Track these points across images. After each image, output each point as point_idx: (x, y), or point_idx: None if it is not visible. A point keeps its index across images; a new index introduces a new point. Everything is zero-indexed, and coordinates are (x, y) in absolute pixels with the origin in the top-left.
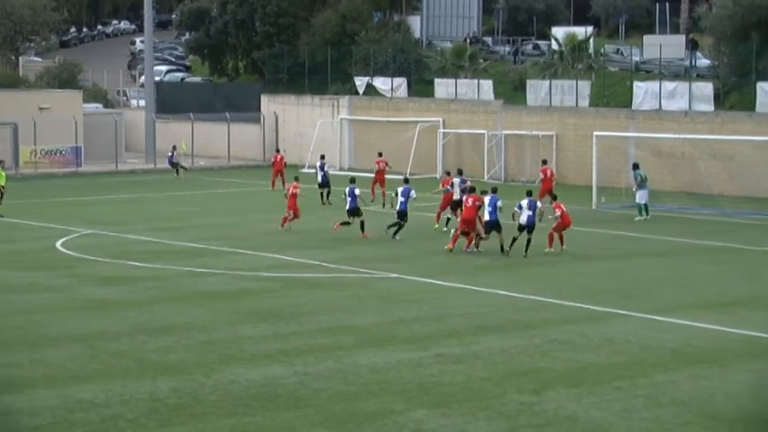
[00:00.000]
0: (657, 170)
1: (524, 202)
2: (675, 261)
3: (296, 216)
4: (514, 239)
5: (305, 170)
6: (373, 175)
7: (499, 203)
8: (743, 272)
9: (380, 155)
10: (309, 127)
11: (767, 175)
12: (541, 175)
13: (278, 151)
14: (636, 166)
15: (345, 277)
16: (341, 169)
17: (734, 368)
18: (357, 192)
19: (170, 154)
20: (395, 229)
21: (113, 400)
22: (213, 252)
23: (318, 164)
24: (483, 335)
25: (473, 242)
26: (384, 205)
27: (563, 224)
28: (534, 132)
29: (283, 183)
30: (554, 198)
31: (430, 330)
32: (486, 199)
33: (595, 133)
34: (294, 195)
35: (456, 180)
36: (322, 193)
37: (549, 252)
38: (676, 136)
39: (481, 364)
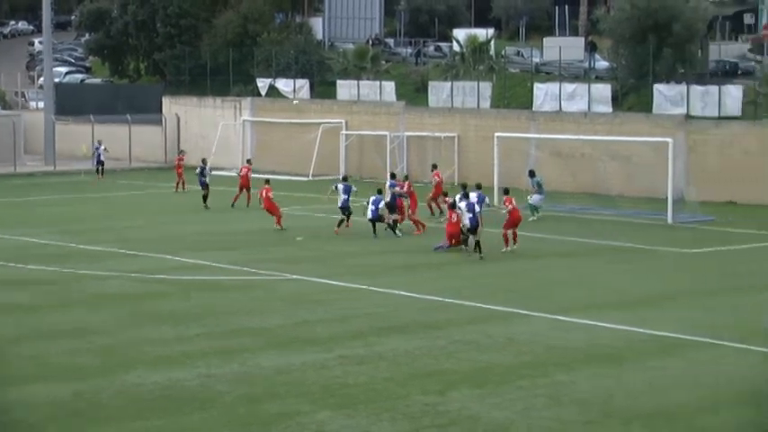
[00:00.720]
0: (558, 171)
1: (462, 205)
2: (578, 261)
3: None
4: (465, 242)
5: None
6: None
7: (487, 200)
8: (643, 271)
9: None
10: (211, 129)
11: (664, 176)
12: (434, 180)
13: (181, 152)
14: (532, 174)
15: (249, 279)
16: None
17: (634, 366)
18: (354, 188)
19: (97, 152)
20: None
21: (13, 405)
22: (115, 255)
23: (199, 168)
24: (387, 336)
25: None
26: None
27: (512, 220)
28: (436, 134)
29: (184, 184)
30: (506, 192)
31: (334, 332)
32: (463, 204)
33: (496, 134)
34: (269, 198)
35: (387, 183)
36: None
37: (506, 252)
38: (576, 137)
39: (385, 366)
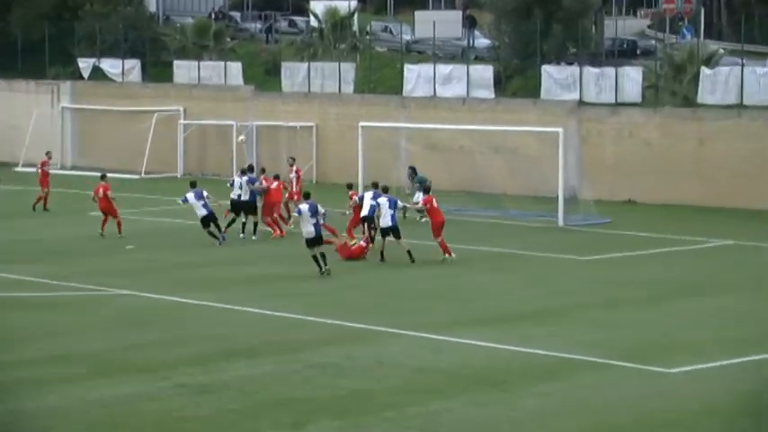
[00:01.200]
0: (433, 166)
1: (384, 200)
2: (452, 270)
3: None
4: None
5: (20, 169)
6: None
7: (399, 204)
8: (529, 282)
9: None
10: (24, 118)
11: (554, 172)
12: (292, 177)
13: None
14: (414, 171)
15: (68, 296)
16: (63, 168)
17: (518, 391)
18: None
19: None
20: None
21: None
22: None
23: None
24: (233, 360)
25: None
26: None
27: (435, 223)
28: (291, 123)
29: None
30: (349, 187)
31: (170, 356)
32: (384, 199)
33: (361, 124)
34: (107, 197)
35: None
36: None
37: (447, 260)
38: (453, 127)
39: (231, 395)
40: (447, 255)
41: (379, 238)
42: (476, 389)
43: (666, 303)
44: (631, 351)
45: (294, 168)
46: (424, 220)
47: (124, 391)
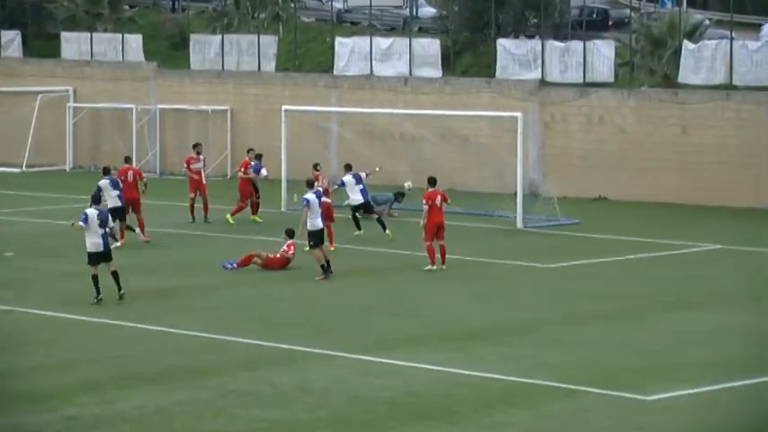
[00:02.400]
0: (369, 157)
1: (348, 178)
2: (392, 281)
3: None
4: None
5: None
6: None
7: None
8: (482, 293)
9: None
10: None
11: (512, 164)
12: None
13: None
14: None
15: None
16: None
17: (468, 423)
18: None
19: None
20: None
21: None
22: None
23: None
24: (132, 387)
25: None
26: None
27: (431, 223)
28: (202, 107)
29: None
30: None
31: (58, 383)
32: (349, 177)
33: (285, 107)
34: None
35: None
36: None
37: (432, 270)
38: (393, 111)
39: (129, 430)
40: (432, 264)
41: (318, 252)
42: (419, 421)
43: (643, 319)
44: (602, 375)
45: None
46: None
47: (2, 426)
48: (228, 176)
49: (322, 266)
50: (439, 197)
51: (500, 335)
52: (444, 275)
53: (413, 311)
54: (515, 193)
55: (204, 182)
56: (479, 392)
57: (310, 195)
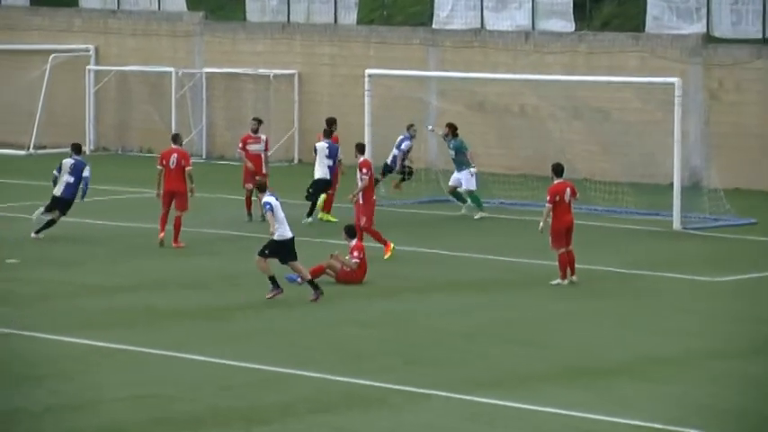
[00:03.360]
0: (480, 137)
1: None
2: (508, 297)
3: None
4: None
5: None
6: None
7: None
8: (623, 314)
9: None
10: None
11: (666, 147)
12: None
13: None
14: (452, 131)
15: None
16: None
17: None
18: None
19: None
20: None
21: None
22: None
23: None
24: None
25: None
26: None
27: (559, 225)
28: (261, 71)
29: None
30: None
31: (74, 428)
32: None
33: (369, 72)
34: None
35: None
36: None
37: (559, 285)
38: (510, 76)
39: None
40: (562, 278)
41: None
42: None
43: None
44: None
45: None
46: (477, 216)
47: None
48: (296, 161)
49: (271, 278)
50: (568, 191)
51: (649, 369)
52: (575, 292)
53: (535, 339)
54: (671, 185)
55: (265, 168)
56: None
57: (270, 198)
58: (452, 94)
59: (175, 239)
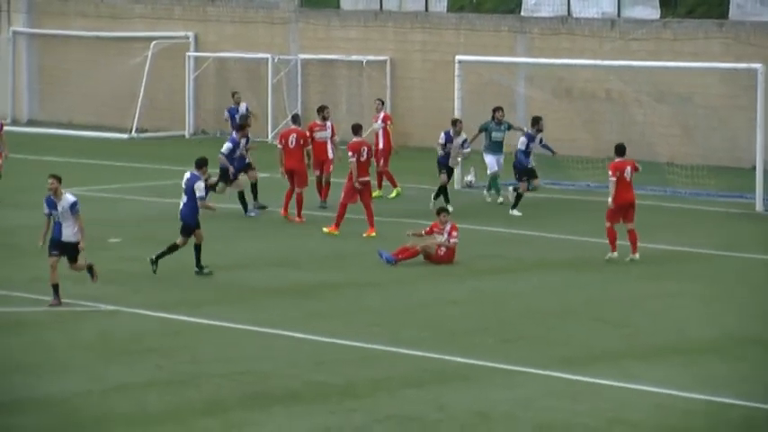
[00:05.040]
0: (565, 123)
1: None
2: (596, 276)
3: None
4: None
5: None
6: None
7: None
8: (702, 294)
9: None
10: None
11: (749, 130)
12: (378, 125)
13: None
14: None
15: (27, 313)
16: (14, 123)
17: None
18: None
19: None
20: None
21: None
22: None
23: None
24: (264, 409)
25: None
26: None
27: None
28: (354, 57)
29: None
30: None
31: (174, 402)
32: None
33: (459, 57)
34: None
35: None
36: None
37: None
38: (596, 62)
39: None
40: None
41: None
42: None
43: None
44: None
45: (382, 115)
46: (500, 201)
47: None
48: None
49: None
50: (629, 169)
51: (737, 348)
52: (663, 272)
53: (620, 318)
54: (754, 168)
55: (331, 155)
56: (712, 421)
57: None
58: (540, 81)
59: (298, 214)
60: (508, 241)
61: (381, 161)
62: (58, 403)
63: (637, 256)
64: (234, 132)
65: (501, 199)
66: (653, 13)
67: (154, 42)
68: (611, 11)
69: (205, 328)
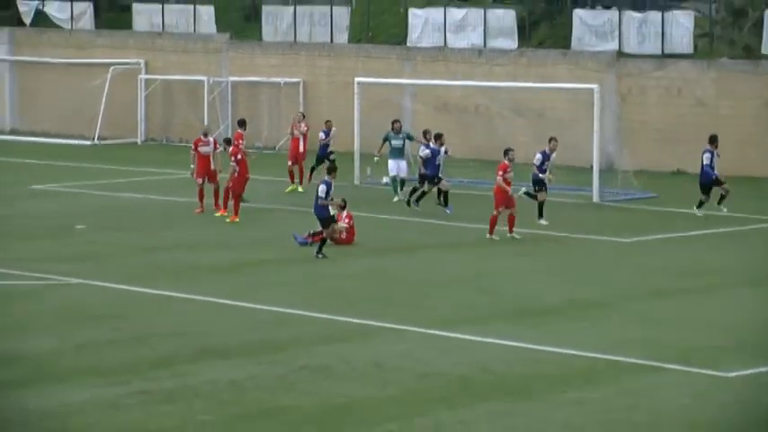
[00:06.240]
0: (444, 131)
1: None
2: (466, 255)
3: None
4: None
5: None
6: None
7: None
8: (556, 268)
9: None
10: None
11: (588, 137)
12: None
13: None
14: (396, 125)
15: (9, 285)
16: (1, 132)
17: (545, 401)
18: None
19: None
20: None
21: None
22: None
23: None
24: (205, 362)
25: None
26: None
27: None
28: (274, 79)
29: None
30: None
31: (130, 357)
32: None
33: (358, 79)
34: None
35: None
36: None
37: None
38: (467, 83)
39: (202, 405)
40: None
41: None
42: (494, 397)
43: (724, 295)
44: (683, 352)
45: (303, 125)
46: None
47: (75, 400)
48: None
49: None
50: (508, 169)
51: (577, 310)
52: (519, 250)
53: (487, 287)
54: (591, 168)
55: (214, 165)
56: (556, 369)
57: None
58: (422, 98)
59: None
60: (400, 227)
61: (302, 161)
62: (32, 358)
63: (517, 235)
64: None
65: (396, 198)
66: (512, 44)
67: (112, 67)
68: (478, 42)
69: (157, 298)
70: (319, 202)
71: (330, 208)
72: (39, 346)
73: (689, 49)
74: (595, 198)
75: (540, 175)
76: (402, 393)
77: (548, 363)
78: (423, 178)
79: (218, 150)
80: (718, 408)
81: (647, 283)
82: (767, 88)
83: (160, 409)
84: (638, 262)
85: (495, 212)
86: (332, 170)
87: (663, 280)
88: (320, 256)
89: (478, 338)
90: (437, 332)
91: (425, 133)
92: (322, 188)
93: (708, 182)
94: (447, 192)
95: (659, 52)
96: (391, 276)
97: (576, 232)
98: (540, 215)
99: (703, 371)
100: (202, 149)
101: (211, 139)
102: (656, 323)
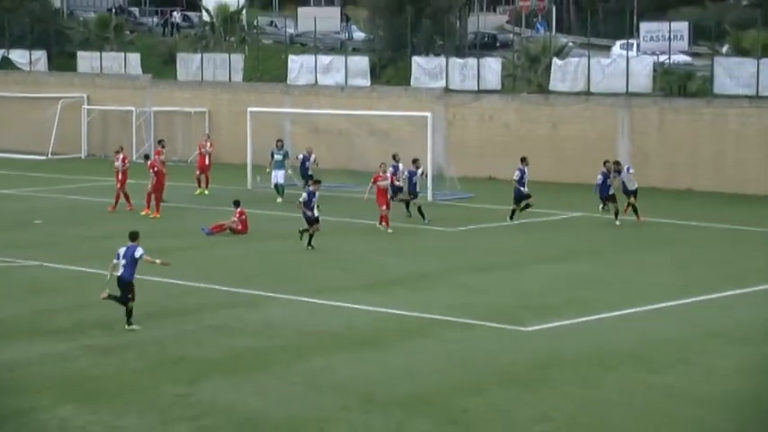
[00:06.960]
0: (315, 148)
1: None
2: (335, 241)
3: None
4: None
5: None
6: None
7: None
8: (404, 251)
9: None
10: None
11: (423, 152)
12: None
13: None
14: (278, 143)
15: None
16: None
17: (391, 349)
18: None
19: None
20: None
21: None
22: None
23: None
24: (134, 323)
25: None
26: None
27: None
28: (186, 109)
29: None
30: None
31: (76, 320)
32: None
33: (250, 109)
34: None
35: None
36: None
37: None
38: (333, 111)
39: (133, 355)
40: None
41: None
42: (355, 348)
43: (526, 269)
44: (494, 312)
45: (209, 144)
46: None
47: (31, 353)
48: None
49: None
50: (375, 177)
51: (416, 282)
52: (372, 237)
53: (349, 265)
54: (427, 175)
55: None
56: (399, 326)
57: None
58: (299, 123)
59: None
60: (285, 220)
61: (207, 171)
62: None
63: (390, 230)
64: None
65: (279, 199)
66: (366, 82)
67: (61, 100)
68: (341, 81)
69: (96, 276)
70: (296, 203)
71: (315, 210)
72: (4, 312)
73: (498, 86)
74: (429, 198)
75: (523, 189)
76: (285, 344)
77: (393, 321)
78: (409, 194)
79: (126, 166)
80: (516, 352)
81: (469, 261)
82: (554, 114)
83: (101, 360)
84: (462, 245)
85: (381, 210)
86: (317, 182)
87: (480, 258)
88: (310, 247)
89: (342, 304)
90: (311, 300)
91: (394, 156)
92: (304, 195)
93: (520, 195)
94: (419, 205)
95: (476, 88)
96: (274, 258)
97: (413, 224)
98: (409, 210)
99: (507, 326)
100: (115, 164)
101: (120, 156)
102: (474, 291)
